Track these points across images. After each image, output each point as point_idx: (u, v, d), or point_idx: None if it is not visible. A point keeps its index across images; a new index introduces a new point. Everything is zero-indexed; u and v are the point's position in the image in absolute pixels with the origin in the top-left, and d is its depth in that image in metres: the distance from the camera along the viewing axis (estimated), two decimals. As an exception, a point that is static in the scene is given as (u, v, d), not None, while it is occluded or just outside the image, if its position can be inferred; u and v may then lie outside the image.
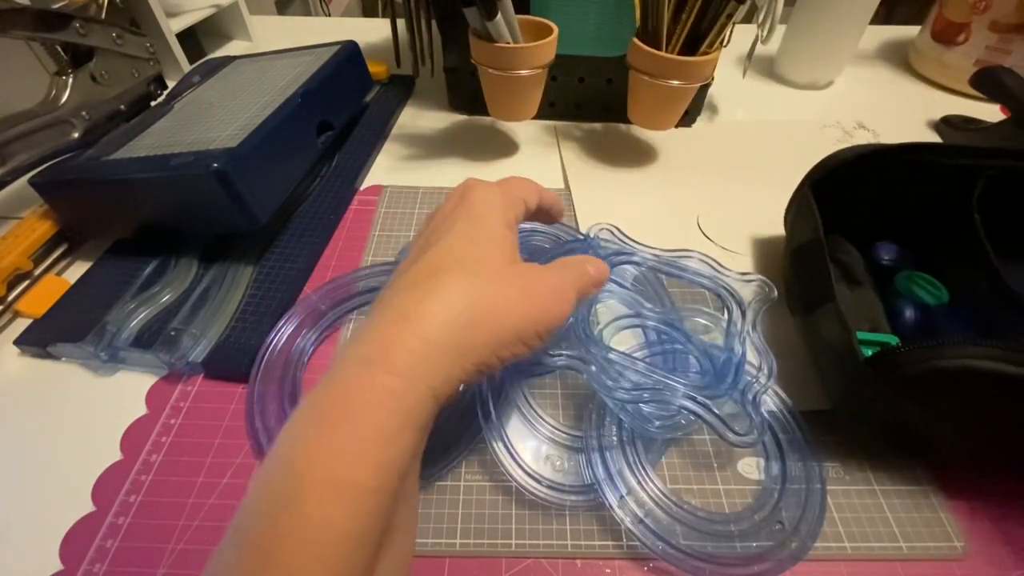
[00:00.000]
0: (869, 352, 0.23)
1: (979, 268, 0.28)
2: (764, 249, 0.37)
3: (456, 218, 0.21)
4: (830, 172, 0.32)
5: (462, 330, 0.17)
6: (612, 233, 0.34)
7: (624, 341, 0.31)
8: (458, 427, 0.27)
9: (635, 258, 0.33)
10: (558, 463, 0.26)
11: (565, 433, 0.26)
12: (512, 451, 0.25)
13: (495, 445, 0.25)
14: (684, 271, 0.33)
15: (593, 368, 0.25)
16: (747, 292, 0.32)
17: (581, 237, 0.36)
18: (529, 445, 0.26)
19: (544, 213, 0.26)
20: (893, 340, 0.27)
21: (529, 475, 0.24)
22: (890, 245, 0.34)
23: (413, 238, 0.22)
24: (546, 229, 0.37)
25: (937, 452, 0.26)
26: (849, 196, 0.32)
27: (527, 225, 0.37)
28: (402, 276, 0.20)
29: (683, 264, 0.33)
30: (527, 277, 0.20)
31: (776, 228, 0.37)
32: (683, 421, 0.26)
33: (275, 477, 0.15)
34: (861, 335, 0.26)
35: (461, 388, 0.18)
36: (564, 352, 0.26)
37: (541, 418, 0.27)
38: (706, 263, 0.33)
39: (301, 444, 0.15)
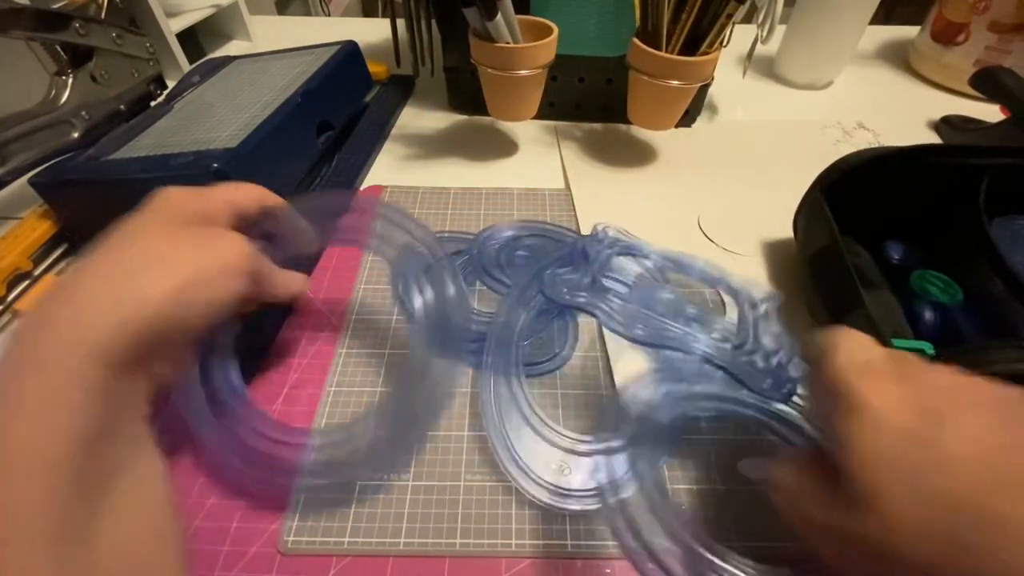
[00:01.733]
0: None
1: (990, 266, 0.28)
2: (767, 250, 0.37)
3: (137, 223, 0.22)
4: (840, 176, 0.32)
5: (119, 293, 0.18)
6: (621, 234, 0.34)
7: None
8: (459, 426, 0.27)
9: (637, 252, 0.33)
10: (560, 465, 0.25)
11: (566, 435, 0.26)
12: (513, 451, 0.25)
13: (495, 445, 0.25)
14: (691, 271, 0.33)
15: (604, 307, 0.26)
16: (753, 295, 0.32)
17: (582, 238, 0.36)
18: (531, 447, 0.26)
19: (272, 219, 0.26)
20: (928, 347, 0.27)
21: (530, 477, 0.24)
22: (898, 244, 0.34)
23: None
24: (546, 230, 0.37)
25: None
26: (855, 197, 0.32)
27: (525, 227, 0.37)
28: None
29: (690, 267, 0.33)
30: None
31: (778, 229, 0.37)
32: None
33: None
34: (896, 342, 0.26)
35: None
36: (582, 293, 0.26)
37: (542, 420, 0.27)
38: (712, 268, 0.33)
39: None
